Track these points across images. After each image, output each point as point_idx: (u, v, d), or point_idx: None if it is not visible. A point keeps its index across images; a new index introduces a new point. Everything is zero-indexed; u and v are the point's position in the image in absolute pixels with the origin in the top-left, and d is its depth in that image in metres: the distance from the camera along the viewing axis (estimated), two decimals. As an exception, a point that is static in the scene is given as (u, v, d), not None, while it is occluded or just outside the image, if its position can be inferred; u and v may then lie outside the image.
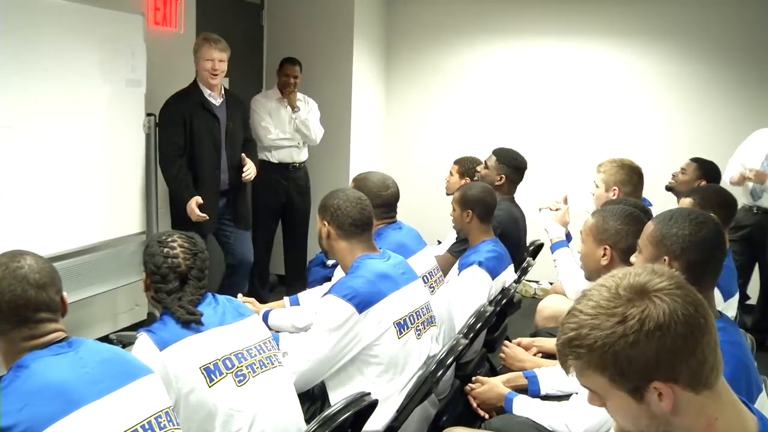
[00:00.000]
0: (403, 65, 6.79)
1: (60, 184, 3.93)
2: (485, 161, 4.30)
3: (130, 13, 4.39)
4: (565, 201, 3.78)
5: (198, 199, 4.35)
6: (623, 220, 2.59)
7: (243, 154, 4.65)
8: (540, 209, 3.83)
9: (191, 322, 2.05)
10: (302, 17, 6.13)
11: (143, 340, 2.02)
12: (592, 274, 2.63)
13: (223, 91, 4.58)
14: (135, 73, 4.38)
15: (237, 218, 4.77)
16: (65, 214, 3.98)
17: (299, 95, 5.46)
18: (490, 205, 3.60)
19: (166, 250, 2.15)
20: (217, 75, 4.43)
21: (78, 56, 4.00)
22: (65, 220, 3.98)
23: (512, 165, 4.22)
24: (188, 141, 4.41)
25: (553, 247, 3.67)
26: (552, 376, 2.69)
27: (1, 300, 1.68)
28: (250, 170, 4.65)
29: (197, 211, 4.34)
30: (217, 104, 4.52)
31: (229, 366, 2.06)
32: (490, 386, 2.70)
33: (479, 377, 2.80)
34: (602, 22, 6.19)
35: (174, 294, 2.10)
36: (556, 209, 3.75)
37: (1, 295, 1.68)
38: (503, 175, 4.17)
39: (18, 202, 3.68)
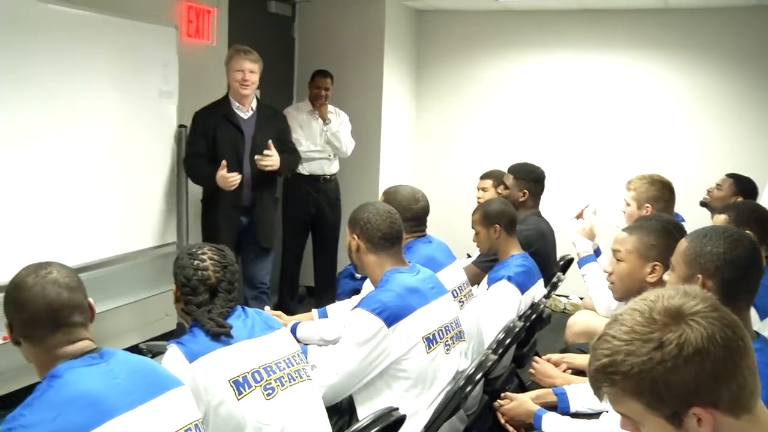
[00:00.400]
0: (434, 78, 6.79)
1: (91, 194, 3.97)
2: (503, 181, 4.26)
3: (164, 26, 4.44)
4: (594, 213, 3.74)
5: (223, 163, 4.21)
6: (668, 235, 2.55)
7: (270, 141, 4.38)
8: (575, 217, 3.81)
9: (221, 335, 2.06)
10: (333, 30, 6.15)
11: (173, 351, 2.03)
12: (633, 293, 2.57)
13: (254, 105, 4.50)
14: (167, 85, 4.43)
15: (260, 237, 4.56)
16: (96, 223, 4.02)
17: (330, 107, 5.48)
18: (513, 215, 3.59)
19: (196, 262, 2.16)
20: (247, 86, 4.37)
21: (111, 68, 4.05)
22: (96, 229, 4.02)
23: (531, 178, 4.18)
24: (211, 153, 4.35)
25: (581, 262, 3.64)
26: (582, 393, 2.66)
27: (37, 305, 1.70)
28: (271, 156, 4.35)
29: (227, 174, 4.21)
30: (245, 117, 4.43)
31: (258, 379, 2.06)
32: (519, 402, 2.67)
33: (508, 393, 2.77)
34: (633, 34, 6.16)
35: (204, 306, 2.11)
36: (579, 215, 3.72)
37: (35, 300, 1.70)
38: (525, 191, 4.14)
39: (49, 211, 3.72)
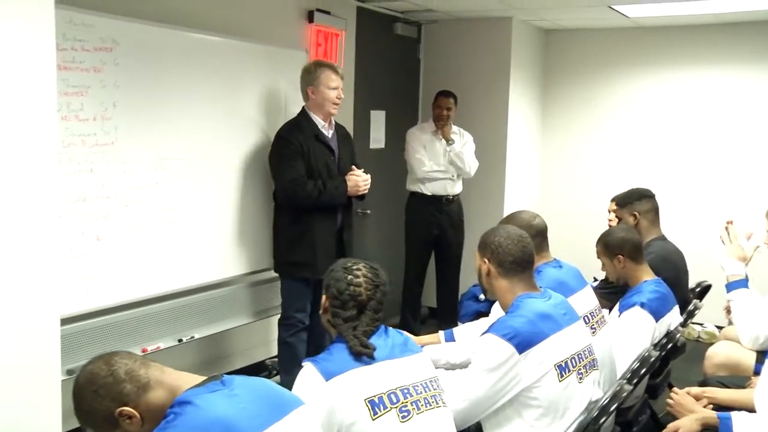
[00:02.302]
0: (561, 97, 6.68)
1: (225, 213, 4.13)
2: (614, 214, 4.11)
3: (294, 50, 4.57)
4: (748, 239, 3.54)
5: (353, 167, 4.16)
6: None
7: (354, 167, 4.23)
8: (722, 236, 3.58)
9: (363, 355, 2.07)
10: (459, 51, 6.15)
11: (309, 370, 2.06)
12: None
13: (333, 123, 4.27)
14: (297, 108, 4.53)
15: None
16: (228, 241, 4.17)
17: (455, 128, 5.48)
18: (636, 241, 3.46)
19: (350, 277, 2.19)
20: (339, 104, 4.18)
21: (245, 92, 4.22)
22: (228, 247, 4.17)
23: (634, 199, 4.01)
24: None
25: (729, 287, 3.39)
26: (748, 420, 2.45)
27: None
28: (368, 179, 4.23)
29: (356, 177, 4.13)
30: (329, 136, 4.20)
31: (394, 401, 2.05)
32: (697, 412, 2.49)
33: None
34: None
35: (350, 322, 2.14)
36: (727, 229, 3.51)
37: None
38: (634, 214, 3.97)
39: (187, 230, 3.89)
